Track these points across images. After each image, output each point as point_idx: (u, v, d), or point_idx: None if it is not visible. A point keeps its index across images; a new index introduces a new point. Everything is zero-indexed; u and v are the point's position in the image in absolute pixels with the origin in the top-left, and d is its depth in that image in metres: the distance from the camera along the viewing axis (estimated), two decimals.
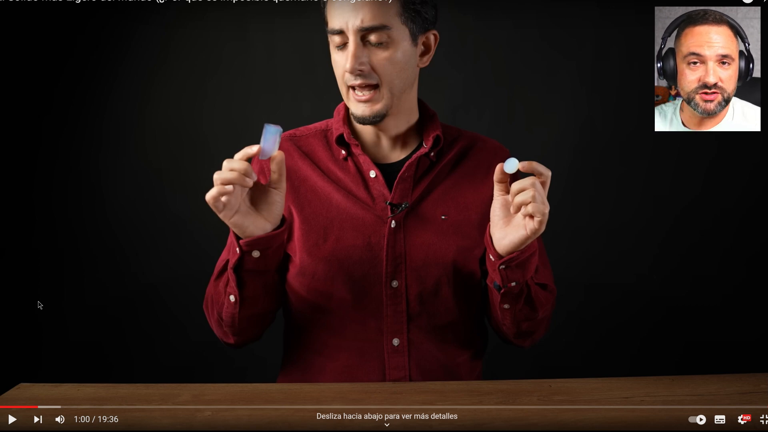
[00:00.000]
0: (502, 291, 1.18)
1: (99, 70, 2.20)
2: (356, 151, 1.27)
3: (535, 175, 1.09)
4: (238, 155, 1.09)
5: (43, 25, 2.17)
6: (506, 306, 1.20)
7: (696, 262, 2.20)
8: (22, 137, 2.20)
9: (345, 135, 1.27)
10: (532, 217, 1.08)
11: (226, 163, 1.08)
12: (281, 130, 1.11)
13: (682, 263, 2.20)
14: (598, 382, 1.13)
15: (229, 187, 1.07)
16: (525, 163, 1.09)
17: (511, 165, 1.10)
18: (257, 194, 1.14)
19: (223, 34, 2.20)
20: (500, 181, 1.13)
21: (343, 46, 1.20)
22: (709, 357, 2.20)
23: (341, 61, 1.20)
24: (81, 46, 2.18)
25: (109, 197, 2.23)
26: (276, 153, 1.11)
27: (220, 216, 1.11)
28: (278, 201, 1.14)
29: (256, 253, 1.15)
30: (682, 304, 2.21)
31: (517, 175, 1.13)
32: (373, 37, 1.18)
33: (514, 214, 1.11)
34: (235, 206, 1.10)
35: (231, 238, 1.17)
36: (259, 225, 1.13)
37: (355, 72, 1.18)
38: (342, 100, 1.33)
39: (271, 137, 1.10)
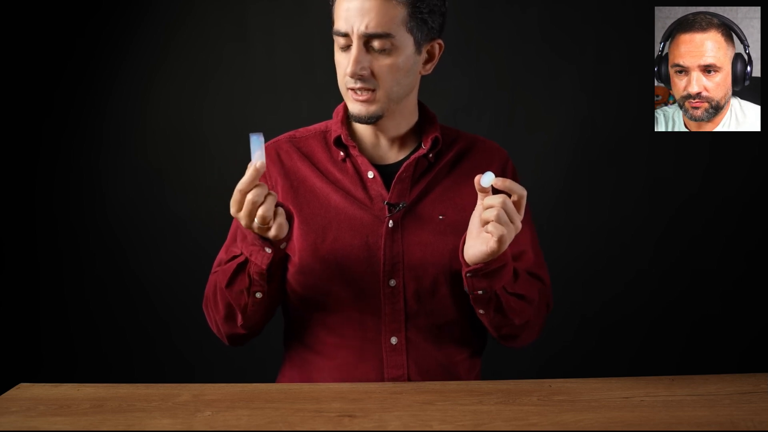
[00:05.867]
0: (471, 297, 1.19)
1: (99, 71, 2.20)
2: (354, 152, 1.27)
3: (509, 194, 1.08)
4: (248, 181, 1.07)
5: (43, 26, 2.17)
6: (480, 311, 1.22)
7: (696, 261, 2.20)
8: (23, 137, 2.21)
9: (343, 136, 1.27)
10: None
11: (251, 197, 1.07)
12: (261, 132, 1.11)
13: (681, 258, 2.20)
14: (598, 382, 1.13)
15: (281, 220, 1.09)
16: (499, 181, 1.08)
17: (487, 179, 1.09)
18: None
19: (223, 34, 2.21)
20: (480, 191, 1.12)
21: (346, 47, 1.20)
22: (709, 357, 2.20)
23: (343, 63, 1.21)
24: (81, 46, 2.19)
25: (110, 197, 2.23)
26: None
27: (278, 238, 1.12)
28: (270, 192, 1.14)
29: (284, 245, 1.17)
30: (681, 302, 2.22)
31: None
32: (376, 44, 1.18)
33: (482, 227, 1.11)
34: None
35: (252, 241, 1.16)
36: (285, 217, 1.14)
37: (355, 76, 1.19)
38: (340, 101, 1.33)
39: (261, 144, 1.09)
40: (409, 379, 1.24)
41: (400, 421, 0.99)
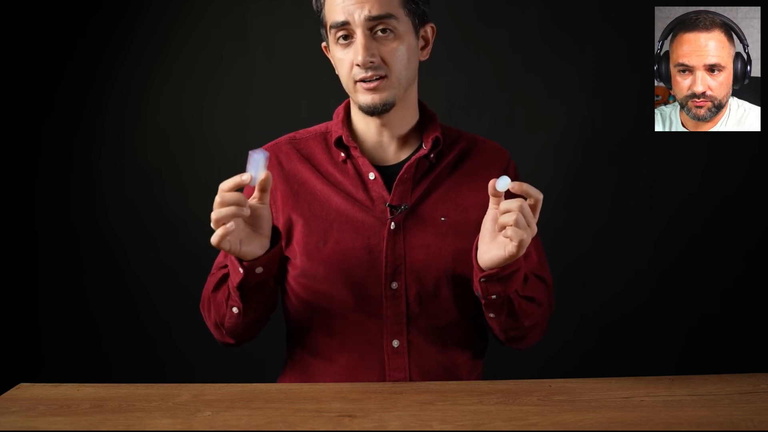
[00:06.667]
0: (483, 302, 1.19)
1: (99, 71, 2.20)
2: (355, 153, 1.26)
3: (525, 197, 1.08)
4: (229, 184, 1.06)
5: (43, 26, 2.17)
6: (491, 315, 1.21)
7: (696, 261, 2.20)
8: (23, 137, 2.21)
9: (344, 137, 1.26)
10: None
11: (219, 198, 1.06)
12: (267, 154, 1.09)
13: (681, 258, 2.20)
14: (598, 382, 1.13)
15: (231, 225, 1.05)
16: (516, 184, 1.07)
17: (503, 183, 1.08)
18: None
19: (223, 34, 2.21)
20: (494, 196, 1.11)
21: (346, 40, 1.19)
22: (709, 357, 2.20)
23: (347, 57, 1.20)
24: (81, 46, 2.19)
25: (110, 197, 2.23)
26: (264, 174, 1.09)
27: (229, 252, 1.10)
28: (266, 215, 1.12)
29: (259, 270, 1.15)
30: (681, 302, 2.22)
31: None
32: (381, 28, 1.17)
33: (499, 232, 1.10)
34: (239, 238, 1.10)
35: (231, 259, 1.16)
36: (262, 244, 1.13)
37: (367, 64, 1.17)
38: (340, 101, 1.32)
39: (260, 164, 1.07)
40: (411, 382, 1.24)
41: (400, 421, 0.99)
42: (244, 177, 1.06)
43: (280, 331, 1.37)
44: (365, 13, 1.16)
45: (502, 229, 1.08)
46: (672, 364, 2.22)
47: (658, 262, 2.21)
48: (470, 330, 1.30)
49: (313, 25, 1.29)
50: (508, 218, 1.06)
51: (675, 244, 2.20)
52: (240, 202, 1.06)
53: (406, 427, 0.97)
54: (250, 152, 1.08)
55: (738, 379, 1.13)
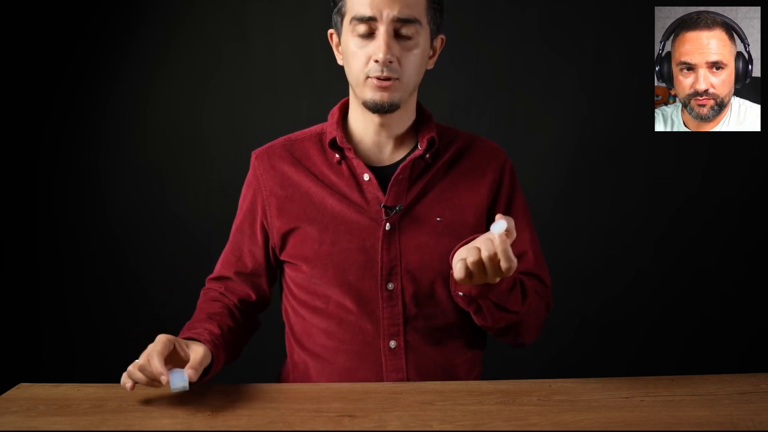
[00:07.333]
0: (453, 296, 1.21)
1: (99, 71, 2.20)
2: (349, 154, 1.26)
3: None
4: (155, 365, 1.03)
5: (43, 26, 2.17)
6: (469, 311, 1.22)
7: (696, 261, 2.20)
8: (23, 137, 2.21)
9: (338, 138, 1.26)
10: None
11: (141, 362, 1.05)
12: (185, 378, 1.05)
13: (681, 258, 2.20)
14: (598, 382, 1.13)
15: (129, 384, 1.04)
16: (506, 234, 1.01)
17: (498, 227, 1.02)
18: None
19: (223, 34, 2.21)
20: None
21: (368, 35, 1.18)
22: (709, 357, 2.20)
23: (363, 51, 1.18)
24: (81, 46, 2.19)
25: (110, 197, 2.23)
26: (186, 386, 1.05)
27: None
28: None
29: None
30: (681, 302, 2.22)
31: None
32: (404, 30, 1.17)
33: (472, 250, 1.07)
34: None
35: None
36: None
37: (386, 63, 1.17)
38: (337, 102, 1.32)
39: (181, 382, 1.04)
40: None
41: (400, 421, 0.99)
42: (162, 378, 1.02)
43: (280, 331, 1.37)
44: (394, 12, 1.16)
45: (475, 255, 1.04)
46: (672, 364, 2.22)
47: (658, 262, 2.21)
48: (468, 330, 1.30)
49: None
50: (474, 255, 1.03)
51: (675, 244, 2.20)
52: (156, 378, 1.03)
53: (406, 427, 0.97)
54: (171, 375, 1.04)
55: (738, 379, 1.13)
